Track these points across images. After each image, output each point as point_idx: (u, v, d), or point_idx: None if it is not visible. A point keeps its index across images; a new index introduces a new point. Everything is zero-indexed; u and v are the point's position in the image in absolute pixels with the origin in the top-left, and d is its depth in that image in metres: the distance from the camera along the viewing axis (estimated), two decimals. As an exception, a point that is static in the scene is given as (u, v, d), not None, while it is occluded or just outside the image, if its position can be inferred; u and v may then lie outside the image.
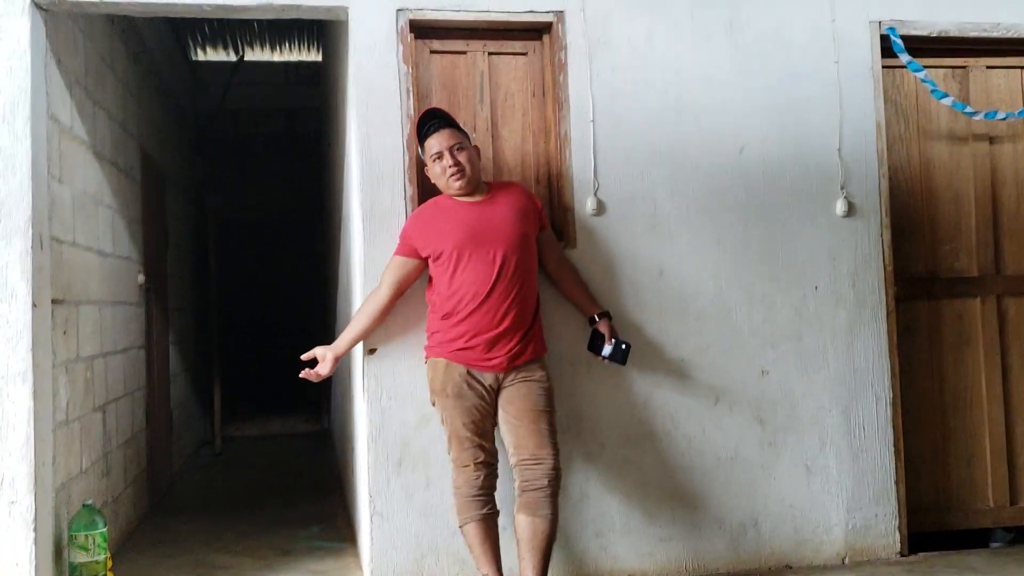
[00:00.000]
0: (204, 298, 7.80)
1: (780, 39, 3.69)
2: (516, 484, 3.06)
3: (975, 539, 3.88)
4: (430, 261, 3.14)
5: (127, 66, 4.83)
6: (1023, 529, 3.93)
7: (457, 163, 3.09)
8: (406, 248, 3.19)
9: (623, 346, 3.30)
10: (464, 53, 3.54)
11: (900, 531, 3.66)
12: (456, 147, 3.10)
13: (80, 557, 3.22)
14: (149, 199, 5.24)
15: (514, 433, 3.06)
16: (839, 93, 3.71)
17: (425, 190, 3.33)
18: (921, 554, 3.68)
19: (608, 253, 3.52)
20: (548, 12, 3.52)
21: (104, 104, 4.22)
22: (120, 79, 4.63)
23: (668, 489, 3.52)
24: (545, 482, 3.01)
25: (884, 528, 3.65)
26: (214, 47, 7.67)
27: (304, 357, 3.26)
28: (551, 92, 3.55)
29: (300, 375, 3.27)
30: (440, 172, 3.12)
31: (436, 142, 3.10)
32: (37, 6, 3.18)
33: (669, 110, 3.60)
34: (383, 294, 3.19)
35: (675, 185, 3.59)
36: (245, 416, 8.75)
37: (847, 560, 3.61)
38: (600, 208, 3.51)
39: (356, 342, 3.28)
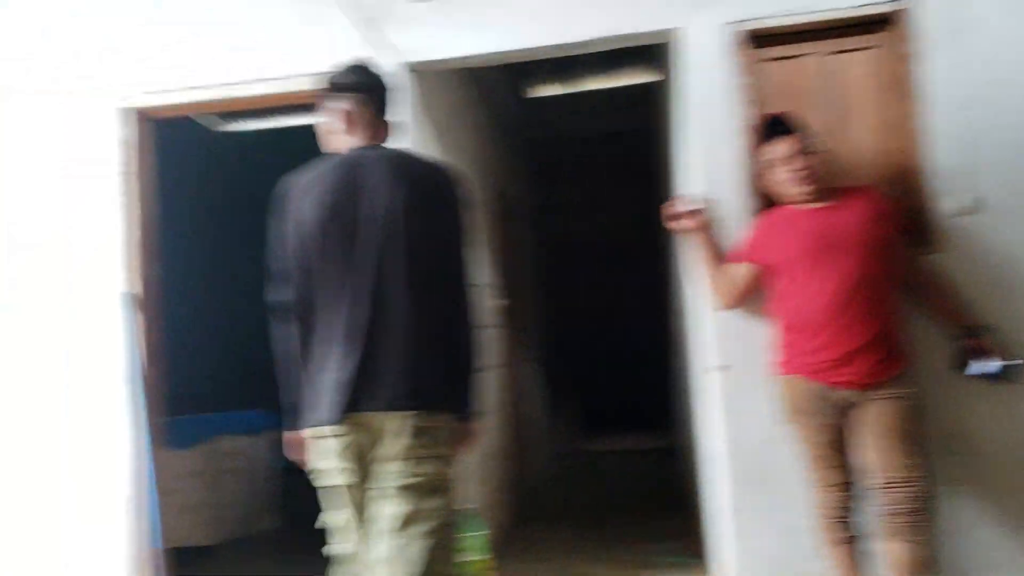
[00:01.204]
0: (551, 320, 8.23)
1: None
2: (877, 509, 2.86)
3: None
4: (773, 271, 3.06)
5: (479, 111, 5.30)
6: None
7: (803, 168, 2.98)
8: (745, 255, 3.15)
9: (1015, 362, 2.94)
10: (801, 56, 3.43)
11: None
12: (802, 151, 3.00)
13: (467, 556, 3.54)
14: (502, 229, 5.67)
15: (872, 454, 2.85)
16: None
17: (767, 204, 3.26)
18: None
19: (981, 256, 3.19)
20: (891, 1, 3.30)
21: (465, 147, 4.67)
22: (474, 123, 5.10)
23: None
24: (906, 506, 2.77)
25: None
26: (549, 82, 8.12)
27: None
28: (901, 86, 3.31)
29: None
30: (784, 178, 3.03)
31: (780, 147, 3.03)
32: (411, 68, 3.62)
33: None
34: (721, 306, 3.20)
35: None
36: (596, 431, 9.06)
37: None
38: (972, 205, 3.20)
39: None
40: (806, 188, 2.99)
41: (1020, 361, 2.95)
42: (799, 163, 2.98)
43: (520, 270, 6.74)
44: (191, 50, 3.82)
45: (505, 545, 4.73)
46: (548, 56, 3.85)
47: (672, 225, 3.35)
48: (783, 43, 3.43)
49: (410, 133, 3.53)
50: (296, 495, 6.20)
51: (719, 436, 3.37)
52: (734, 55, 3.38)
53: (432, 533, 2.14)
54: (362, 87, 2.43)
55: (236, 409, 6.02)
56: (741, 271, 3.18)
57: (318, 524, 2.32)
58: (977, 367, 2.98)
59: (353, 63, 2.49)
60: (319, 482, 2.28)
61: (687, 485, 5.71)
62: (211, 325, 7.68)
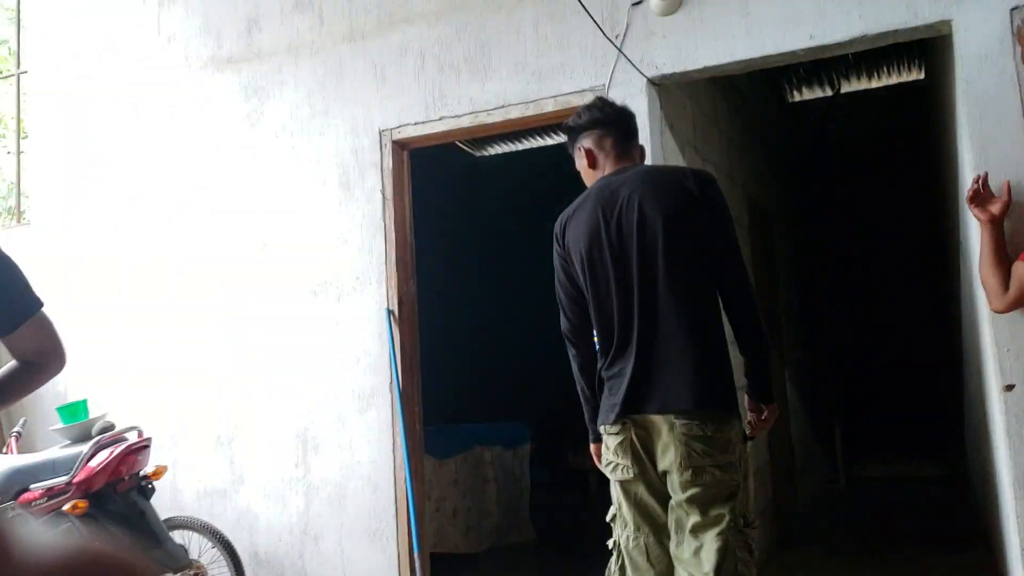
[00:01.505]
0: (816, 335, 7.81)
1: None
2: None
3: None
4: None
5: (729, 120, 5.15)
6: None
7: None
8: None
9: None
10: None
11: None
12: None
13: None
14: (757, 244, 5.46)
15: None
16: None
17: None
18: None
19: None
20: None
21: (712, 159, 4.55)
22: (724, 133, 4.96)
23: None
24: None
25: None
26: (809, 86, 7.75)
27: None
28: None
29: None
30: None
31: None
32: (652, 83, 3.59)
33: None
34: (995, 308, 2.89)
35: None
36: (869, 455, 8.45)
37: None
38: None
39: None
40: None
41: None
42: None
43: (785, 283, 6.45)
44: (442, 81, 4.03)
45: (765, 569, 4.52)
46: (805, 59, 3.66)
47: (973, 207, 2.97)
48: (1078, 20, 3.02)
49: (649, 148, 3.48)
50: (550, 508, 6.37)
51: (1005, 461, 3.01)
52: (1017, 44, 3.03)
53: (720, 537, 2.22)
54: (598, 123, 2.57)
55: (494, 420, 6.26)
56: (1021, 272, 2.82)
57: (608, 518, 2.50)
58: None
59: (588, 103, 2.65)
60: (610, 477, 2.45)
61: (979, 518, 5.16)
62: (468, 339, 8.07)
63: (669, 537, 2.32)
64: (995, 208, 2.87)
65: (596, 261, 2.40)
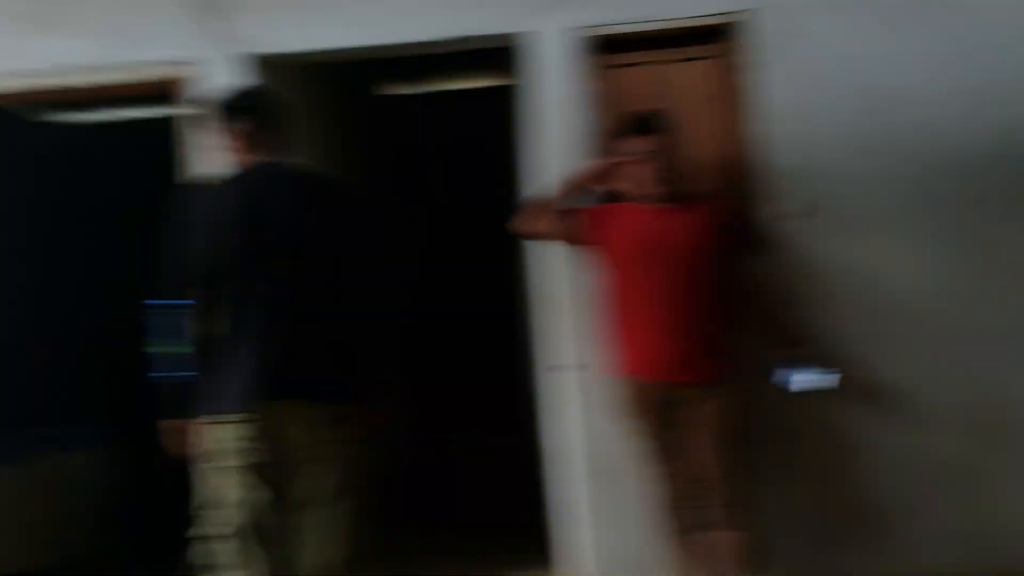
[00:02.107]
0: (410, 320, 8.15)
1: (988, 19, 3.42)
2: (701, 504, 3.00)
3: None
4: (610, 266, 3.11)
5: (326, 109, 5.16)
6: None
7: (660, 169, 3.04)
8: (583, 219, 3.16)
9: (824, 373, 3.12)
10: (644, 64, 3.53)
11: None
12: (663, 153, 3.05)
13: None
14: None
15: (698, 453, 2.99)
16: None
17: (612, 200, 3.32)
18: None
19: (809, 258, 3.37)
20: (728, 14, 3.44)
21: (304, 146, 4.51)
22: (319, 121, 4.95)
23: (891, 502, 3.33)
24: (725, 499, 2.93)
25: None
26: (404, 82, 8.03)
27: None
28: (736, 96, 3.46)
29: None
30: (638, 175, 3.07)
31: (643, 144, 3.05)
32: (246, 61, 3.48)
33: (870, 103, 3.41)
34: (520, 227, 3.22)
35: (882, 180, 3.39)
36: (450, 431, 9.02)
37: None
38: (799, 214, 3.37)
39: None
40: (656, 189, 3.05)
41: (837, 372, 3.13)
42: (655, 164, 3.03)
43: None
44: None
45: (356, 552, 4.62)
46: (401, 54, 3.80)
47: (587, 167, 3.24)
48: (626, 50, 3.51)
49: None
50: (129, 515, 5.88)
51: (564, 433, 3.42)
52: (581, 61, 3.43)
53: (342, 512, 2.57)
54: (254, 110, 2.67)
55: (69, 423, 5.63)
56: (568, 223, 3.16)
57: (194, 506, 2.54)
58: (799, 379, 3.13)
59: (247, 87, 2.81)
60: (216, 464, 2.48)
61: (542, 484, 5.77)
62: (42, 334, 7.13)
63: (292, 514, 2.51)
64: (597, 169, 3.19)
65: (239, 246, 2.48)
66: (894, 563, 3.30)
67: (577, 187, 3.18)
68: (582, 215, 3.16)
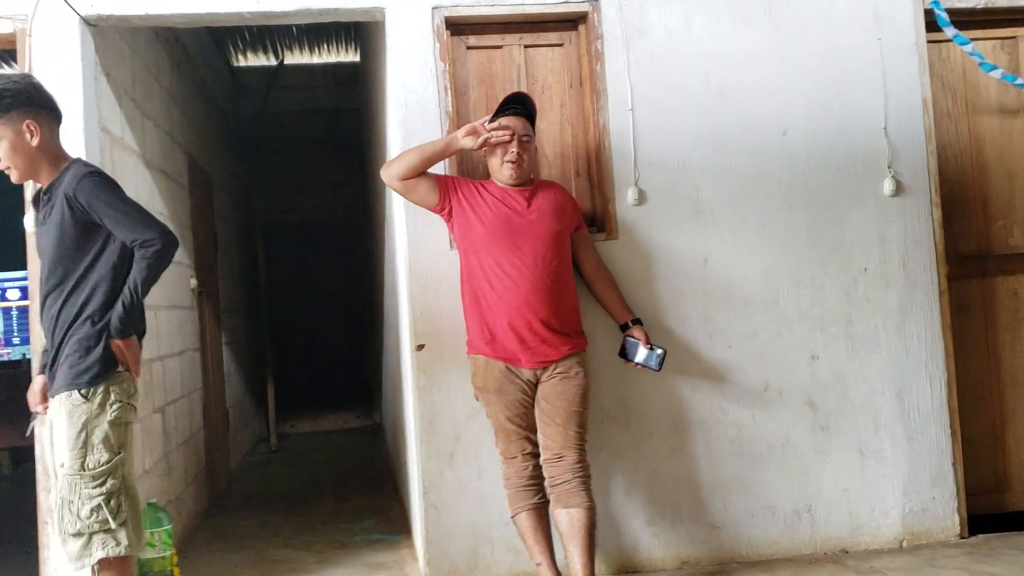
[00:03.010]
0: (254, 299, 7.95)
1: (820, 17, 3.63)
2: (546, 481, 3.08)
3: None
4: (462, 241, 3.14)
5: (171, 76, 4.94)
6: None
7: (520, 154, 3.09)
8: (445, 182, 3.17)
9: (658, 351, 3.27)
10: (500, 47, 3.55)
11: (959, 513, 3.60)
12: (524, 138, 3.10)
13: (148, 554, 3.32)
14: (198, 204, 5.35)
15: (544, 431, 3.08)
16: (883, 70, 3.64)
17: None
18: (981, 536, 3.61)
19: (651, 243, 3.51)
20: (583, 2, 3.51)
21: (151, 114, 4.32)
22: (165, 89, 4.74)
23: (720, 476, 3.51)
24: (570, 475, 3.02)
25: (942, 511, 3.60)
26: (255, 52, 7.80)
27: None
28: (588, 82, 3.54)
29: None
30: (499, 157, 3.10)
31: (512, 124, 3.08)
32: (86, 22, 3.27)
33: (710, 95, 3.57)
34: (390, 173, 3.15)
35: (718, 170, 3.56)
36: (298, 413, 8.90)
37: (905, 543, 3.57)
38: (641, 198, 3.50)
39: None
40: (511, 173, 3.10)
41: (663, 350, 3.28)
42: (516, 147, 3.08)
43: (225, 249, 6.40)
44: None
45: (197, 536, 4.50)
46: (249, 23, 3.67)
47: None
48: (483, 32, 3.53)
49: (82, 94, 3.19)
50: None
51: (413, 412, 3.43)
52: (435, 40, 3.43)
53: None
54: (50, 105, 2.63)
55: None
56: (431, 181, 3.15)
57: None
58: (641, 356, 3.27)
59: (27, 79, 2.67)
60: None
61: (392, 462, 5.78)
62: None
63: None
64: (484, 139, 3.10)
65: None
66: (723, 536, 3.50)
67: (453, 150, 3.18)
68: (447, 181, 3.18)
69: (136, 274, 2.55)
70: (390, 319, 4.87)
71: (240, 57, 7.85)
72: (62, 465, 2.51)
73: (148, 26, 3.94)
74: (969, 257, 3.80)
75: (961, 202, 3.80)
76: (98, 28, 3.38)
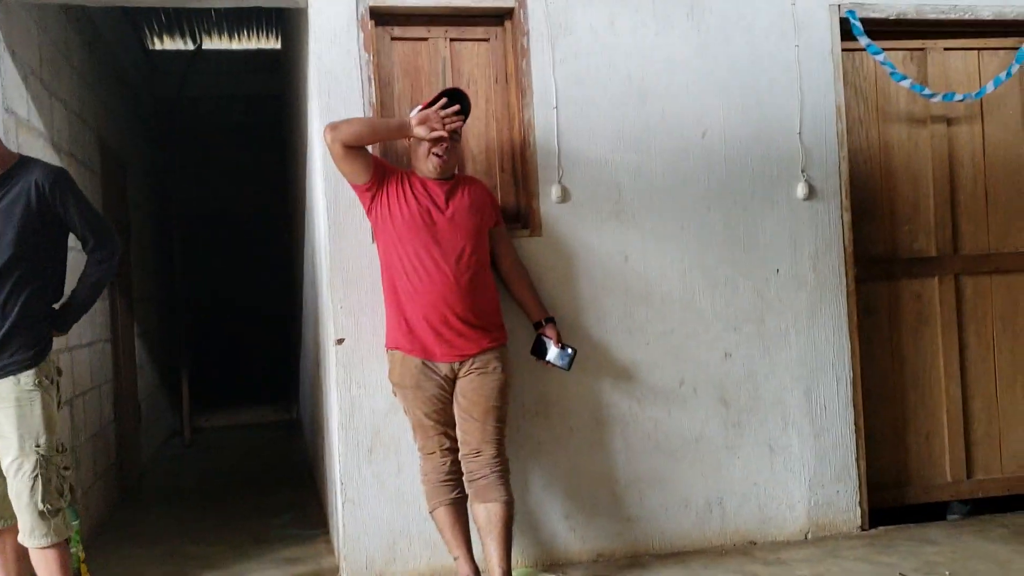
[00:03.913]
0: (169, 290, 7.74)
1: (741, 23, 3.72)
2: (464, 476, 3.09)
3: (933, 513, 3.97)
4: (380, 231, 3.11)
5: (83, 56, 4.76)
6: (979, 501, 4.02)
7: (447, 151, 3.08)
8: (381, 164, 3.14)
9: (569, 351, 3.30)
10: (425, 40, 3.53)
11: (861, 506, 3.75)
12: (456, 129, 3.09)
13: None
14: (109, 190, 5.18)
15: (462, 426, 3.08)
16: (799, 76, 3.75)
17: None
18: (881, 528, 3.77)
19: (573, 239, 3.54)
20: (505, -3, 3.51)
21: (60, 95, 4.16)
22: (76, 69, 4.56)
23: (636, 471, 3.57)
24: (488, 470, 3.04)
25: (846, 504, 3.73)
26: (171, 36, 7.57)
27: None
28: (513, 78, 3.55)
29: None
30: (425, 148, 3.08)
31: (447, 117, 3.05)
32: (-10, -3, 3.13)
33: (632, 95, 3.62)
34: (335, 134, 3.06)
35: (640, 170, 3.61)
36: (214, 406, 8.71)
37: (810, 535, 3.69)
38: (565, 195, 3.53)
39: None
40: (435, 167, 3.09)
41: (573, 350, 3.32)
42: (449, 138, 3.06)
43: (140, 238, 6.21)
44: None
45: (106, 532, 4.37)
46: (167, 6, 3.57)
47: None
48: (408, 24, 3.50)
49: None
50: None
51: (333, 407, 3.40)
52: (359, 29, 3.39)
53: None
54: None
55: None
56: (369, 158, 3.10)
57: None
58: (551, 355, 3.31)
59: None
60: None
61: (310, 457, 5.70)
62: None
63: None
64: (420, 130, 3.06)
65: None
66: (638, 529, 3.56)
67: (404, 135, 3.14)
68: (382, 164, 3.14)
69: (96, 276, 2.79)
70: (310, 312, 4.80)
71: (156, 40, 7.61)
72: (38, 446, 2.62)
73: (57, 3, 3.78)
74: (876, 260, 3.94)
75: (870, 207, 3.94)
76: (2, 4, 3.23)
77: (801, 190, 3.71)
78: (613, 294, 3.57)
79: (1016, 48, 3.93)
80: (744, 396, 3.67)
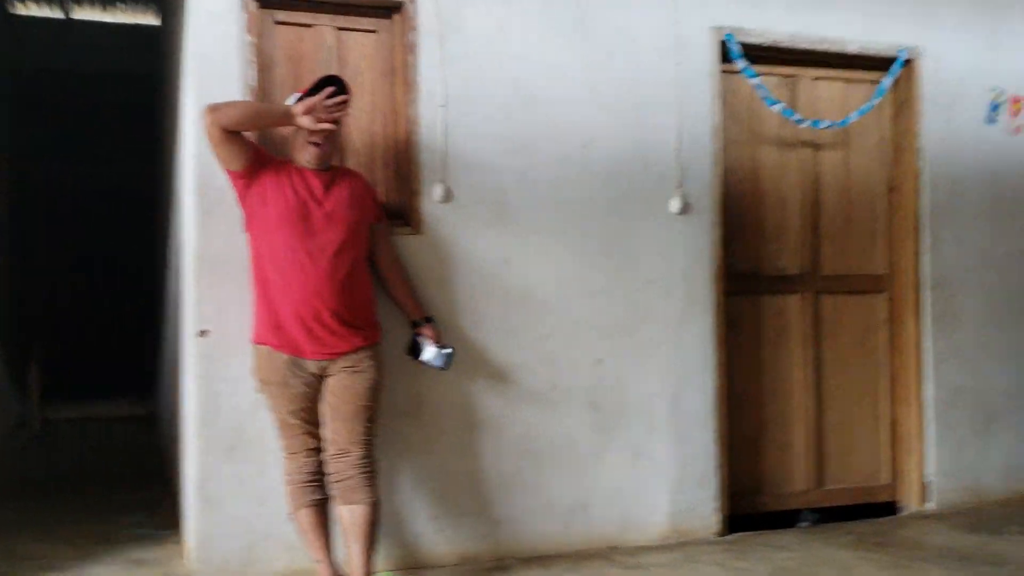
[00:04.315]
0: (22, 273, 7.29)
1: (627, 39, 3.79)
2: (330, 477, 3.02)
3: (787, 520, 4.15)
4: (253, 220, 3.01)
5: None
6: (828, 510, 4.22)
7: (331, 134, 3.00)
8: (258, 151, 3.04)
9: (447, 351, 3.29)
10: (311, 26, 3.44)
11: (720, 513, 3.87)
12: (338, 119, 3.00)
13: None
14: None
15: (330, 426, 3.01)
16: (679, 94, 3.85)
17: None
18: (738, 534, 3.90)
19: (454, 241, 3.52)
20: (395, -9, 3.47)
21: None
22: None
23: (505, 473, 3.57)
24: (354, 471, 2.97)
25: (705, 510, 3.85)
26: (37, 2, 7.15)
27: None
28: (401, 73, 3.50)
29: None
30: (303, 136, 2.99)
31: (326, 105, 2.95)
32: None
33: (520, 100, 3.63)
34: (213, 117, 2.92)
35: (523, 175, 3.63)
36: (67, 397, 8.25)
37: (670, 541, 3.78)
38: (448, 195, 3.50)
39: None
40: (318, 154, 3.01)
41: (450, 350, 3.30)
42: (329, 128, 2.97)
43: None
44: None
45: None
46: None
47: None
48: (294, 8, 3.40)
49: None
50: None
51: (192, 402, 3.26)
52: (242, 10, 3.27)
53: None
54: None
55: None
56: (247, 143, 3.00)
57: None
58: (428, 355, 3.27)
59: None
60: None
61: (166, 454, 5.46)
62: None
63: None
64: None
65: None
66: (504, 532, 3.56)
67: (288, 123, 3.01)
68: (259, 151, 3.03)
69: None
70: (173, 301, 4.60)
71: (20, 5, 7.16)
72: None
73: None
74: (743, 276, 4.09)
75: (740, 224, 4.08)
76: None
77: (675, 205, 3.81)
78: (492, 297, 3.57)
79: (878, 82, 4.18)
80: (613, 402, 3.74)
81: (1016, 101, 4.39)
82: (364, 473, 2.98)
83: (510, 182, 3.61)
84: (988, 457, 4.39)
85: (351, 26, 3.48)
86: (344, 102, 2.99)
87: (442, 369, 3.30)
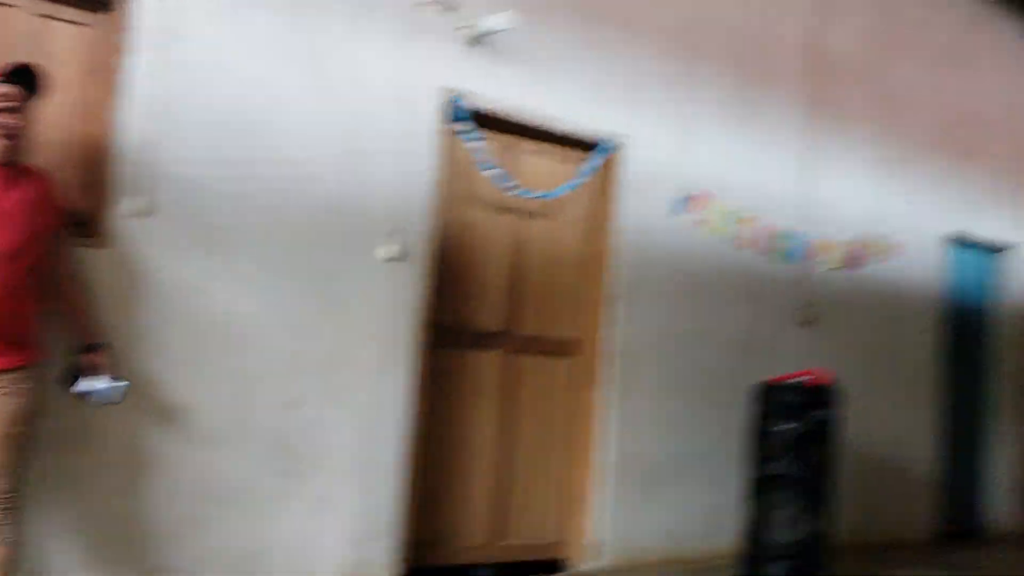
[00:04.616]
0: None
1: (359, 85, 3.79)
2: None
3: (465, 574, 4.19)
4: None
5: None
6: (505, 565, 4.33)
7: (13, 127, 2.70)
8: None
9: (119, 384, 3.02)
10: (11, 7, 3.10)
11: (403, 564, 3.85)
12: (12, 107, 2.70)
13: None
14: None
15: None
16: (403, 147, 3.89)
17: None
18: (414, 587, 3.90)
19: (146, 259, 3.27)
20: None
21: None
22: None
23: (176, 517, 3.31)
24: None
25: (386, 561, 3.81)
26: None
27: None
28: (108, 73, 3.24)
29: None
30: None
31: (9, 94, 2.69)
32: None
33: (243, 121, 3.49)
34: None
35: (237, 199, 3.47)
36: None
37: (349, 591, 3.70)
38: (146, 209, 3.26)
39: None
40: (2, 150, 2.71)
41: (125, 383, 3.06)
42: (11, 120, 2.69)
43: None
44: None
45: None
46: None
47: None
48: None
49: None
50: None
51: None
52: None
53: None
54: None
55: None
56: None
57: None
58: (84, 385, 2.97)
59: None
60: None
61: None
62: None
63: None
64: None
65: None
66: (168, 578, 3.29)
67: None
68: None
69: None
70: None
71: None
72: None
73: None
74: (447, 329, 4.17)
75: (450, 279, 4.17)
76: None
77: (387, 251, 3.82)
78: (182, 325, 3.34)
79: (583, 161, 4.51)
80: (303, 447, 3.62)
81: (695, 199, 4.91)
82: (4, 509, 2.63)
83: (221, 204, 3.43)
84: (652, 520, 4.74)
85: (57, 15, 3.20)
86: (12, 96, 2.71)
87: (109, 404, 3.01)
